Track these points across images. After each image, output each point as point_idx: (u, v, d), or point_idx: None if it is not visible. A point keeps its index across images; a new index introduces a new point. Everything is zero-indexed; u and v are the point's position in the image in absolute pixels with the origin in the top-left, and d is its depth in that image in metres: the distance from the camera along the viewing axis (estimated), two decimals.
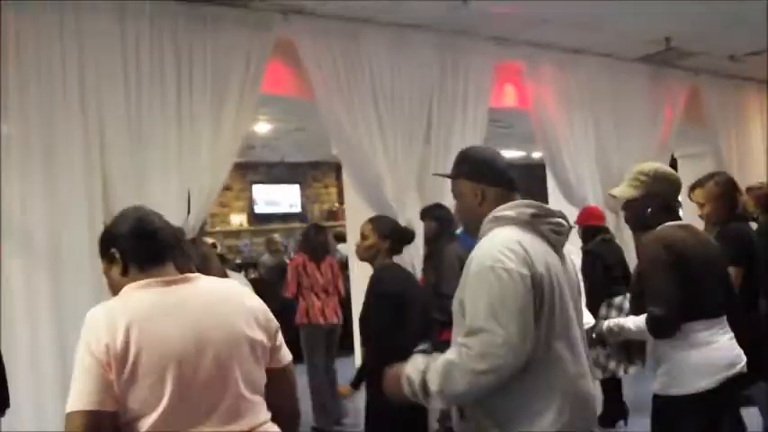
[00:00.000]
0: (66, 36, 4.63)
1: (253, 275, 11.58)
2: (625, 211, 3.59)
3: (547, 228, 2.52)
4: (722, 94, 8.98)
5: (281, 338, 2.26)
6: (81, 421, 1.90)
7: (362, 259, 4.42)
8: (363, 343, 4.54)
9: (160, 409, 1.95)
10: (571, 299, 2.53)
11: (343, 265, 8.61)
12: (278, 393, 2.23)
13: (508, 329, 2.26)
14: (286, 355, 2.29)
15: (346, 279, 7.71)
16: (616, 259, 6.34)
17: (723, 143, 8.97)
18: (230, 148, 5.30)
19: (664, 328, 3.19)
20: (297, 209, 13.96)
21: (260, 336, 2.16)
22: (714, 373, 3.16)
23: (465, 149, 2.80)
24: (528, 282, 2.33)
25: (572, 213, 6.23)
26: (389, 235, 4.34)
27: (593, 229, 6.43)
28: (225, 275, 3.77)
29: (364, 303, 4.36)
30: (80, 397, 1.92)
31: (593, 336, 3.56)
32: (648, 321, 3.21)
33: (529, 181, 11.12)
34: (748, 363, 3.34)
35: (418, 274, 5.88)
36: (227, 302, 2.18)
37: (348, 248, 8.43)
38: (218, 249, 11.28)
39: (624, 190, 3.49)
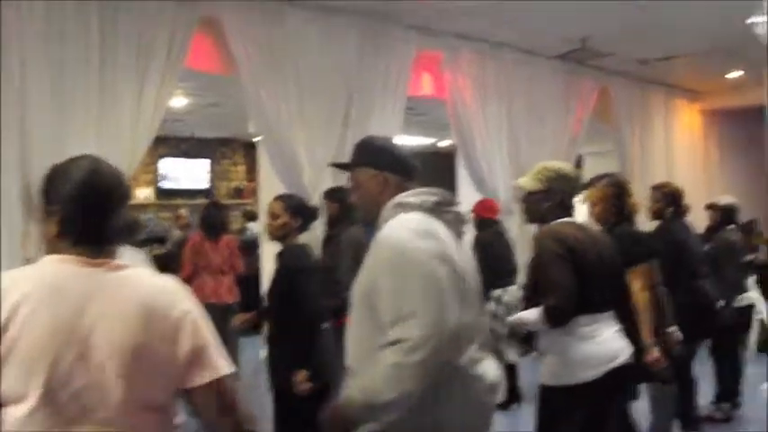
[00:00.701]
0: None
1: (158, 251, 11.38)
2: (524, 203, 3.71)
3: (450, 216, 2.55)
4: (629, 96, 9.30)
5: (211, 350, 1.96)
6: None
7: (275, 238, 4.35)
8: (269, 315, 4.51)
9: (25, 406, 1.72)
10: (474, 287, 2.59)
11: (252, 244, 8.55)
12: (207, 411, 1.96)
13: (438, 310, 2.25)
14: (218, 368, 1.96)
15: (256, 258, 7.65)
16: (503, 252, 6.56)
17: (628, 142, 9.28)
18: (151, 122, 5.19)
19: (558, 317, 3.30)
20: (205, 185, 13.76)
21: (172, 349, 1.88)
22: (597, 365, 3.29)
23: (364, 139, 2.79)
24: (442, 259, 2.35)
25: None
26: (300, 213, 4.32)
27: (486, 221, 6.58)
28: None
29: (274, 279, 4.33)
30: None
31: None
32: (543, 312, 3.32)
33: (435, 169, 11.33)
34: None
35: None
36: (143, 306, 1.86)
37: (259, 227, 8.38)
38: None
39: (528, 182, 3.60)
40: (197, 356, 1.92)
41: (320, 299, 4.24)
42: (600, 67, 8.65)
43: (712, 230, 6.61)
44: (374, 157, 2.64)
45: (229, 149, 14.46)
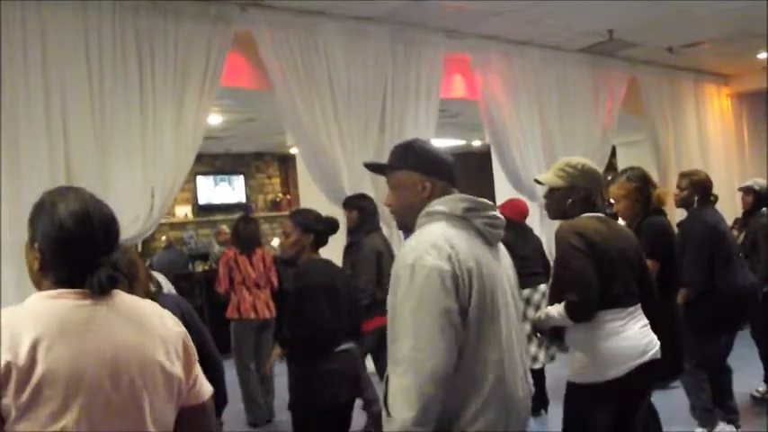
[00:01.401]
0: (29, 28, 4.62)
1: (202, 267, 11.57)
2: (547, 199, 3.65)
3: (481, 222, 2.44)
4: (659, 84, 9.30)
5: (199, 370, 1.96)
6: None
7: (289, 257, 4.29)
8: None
9: None
10: (511, 297, 2.48)
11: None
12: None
13: (432, 353, 2.17)
14: (205, 389, 1.97)
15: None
16: (528, 253, 6.19)
17: (660, 131, 9.28)
18: (192, 142, 5.35)
19: (581, 312, 3.24)
20: (241, 199, 13.95)
21: (177, 368, 1.86)
22: (624, 361, 3.21)
23: (410, 141, 2.66)
24: (448, 278, 2.23)
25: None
26: (312, 228, 4.19)
27: (510, 222, 6.40)
28: (151, 278, 3.58)
29: (288, 299, 4.24)
30: None
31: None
32: (566, 307, 3.27)
33: (471, 170, 11.38)
34: (663, 354, 3.41)
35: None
36: (145, 326, 1.84)
37: None
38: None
39: (550, 178, 3.53)
40: (197, 373, 1.95)
41: (327, 319, 4.04)
42: (627, 58, 8.69)
43: (748, 215, 6.51)
44: (421, 161, 2.51)
45: (263, 163, 14.63)
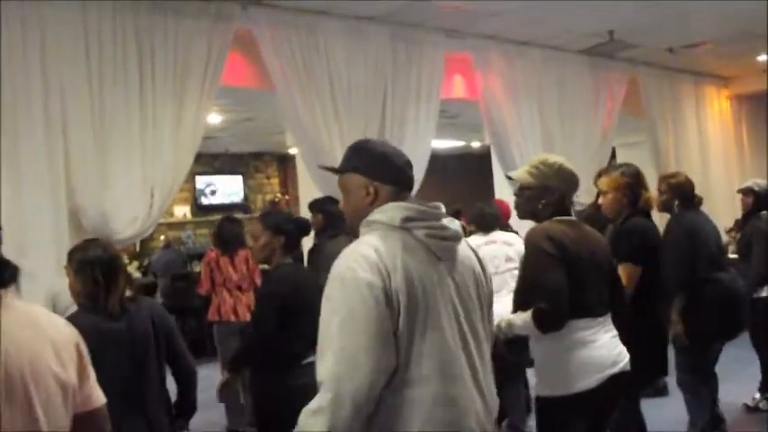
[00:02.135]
0: (28, 27, 4.59)
1: (199, 268, 11.52)
2: (517, 197, 3.46)
3: (423, 233, 2.21)
4: (659, 86, 9.29)
5: (92, 375, 1.91)
6: None
7: (259, 261, 4.13)
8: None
9: None
10: (467, 317, 2.26)
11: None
12: None
13: (354, 372, 2.03)
14: (97, 396, 1.92)
15: None
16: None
17: (660, 132, 9.26)
18: (192, 141, 5.33)
19: (551, 322, 3.06)
20: (240, 199, 13.94)
21: (71, 373, 1.81)
22: (595, 372, 3.08)
23: (360, 141, 2.50)
24: (379, 293, 2.06)
25: None
26: (282, 229, 4.00)
27: None
28: (131, 284, 3.42)
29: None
30: None
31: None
32: (534, 315, 3.07)
33: (471, 171, 11.37)
34: (648, 361, 3.32)
35: None
36: (36, 330, 1.78)
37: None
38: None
39: (522, 175, 3.36)
40: (90, 378, 1.91)
41: (271, 330, 3.83)
42: (628, 59, 8.67)
43: (748, 217, 6.37)
44: (365, 164, 2.34)
45: (262, 163, 14.63)
